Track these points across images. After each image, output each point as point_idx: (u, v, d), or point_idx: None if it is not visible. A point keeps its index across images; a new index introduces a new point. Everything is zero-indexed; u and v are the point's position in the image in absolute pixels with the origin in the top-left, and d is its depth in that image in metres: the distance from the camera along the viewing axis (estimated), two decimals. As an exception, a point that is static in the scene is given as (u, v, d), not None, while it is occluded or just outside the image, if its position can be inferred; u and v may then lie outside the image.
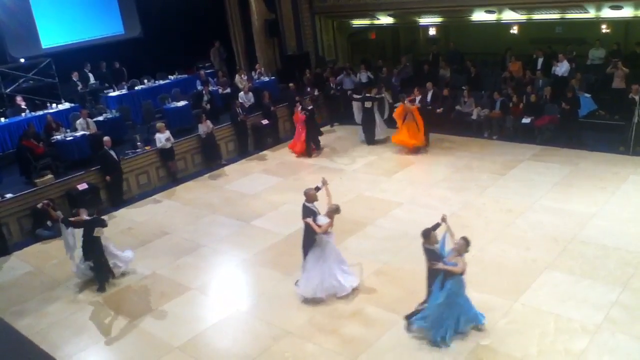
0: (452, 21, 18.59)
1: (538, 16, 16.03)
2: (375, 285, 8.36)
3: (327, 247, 8.06)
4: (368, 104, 14.72)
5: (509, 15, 16.37)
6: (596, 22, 15.44)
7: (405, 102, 14.08)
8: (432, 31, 19.38)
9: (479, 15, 16.83)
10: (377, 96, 14.91)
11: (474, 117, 14.60)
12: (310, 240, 8.10)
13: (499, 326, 7.10)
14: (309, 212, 8.12)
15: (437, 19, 18.40)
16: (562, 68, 14.73)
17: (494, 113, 14.34)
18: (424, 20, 18.82)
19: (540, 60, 15.64)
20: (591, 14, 14.89)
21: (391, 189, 11.93)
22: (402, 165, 13.16)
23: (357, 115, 15.15)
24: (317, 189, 8.49)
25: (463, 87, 15.15)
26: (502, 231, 9.55)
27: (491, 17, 16.71)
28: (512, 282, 8.01)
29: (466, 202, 10.78)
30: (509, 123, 14.07)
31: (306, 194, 8.27)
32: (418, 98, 14.70)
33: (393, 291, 8.13)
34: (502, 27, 17.38)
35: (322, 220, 7.99)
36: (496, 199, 10.79)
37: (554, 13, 15.62)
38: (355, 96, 15.29)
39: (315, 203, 8.27)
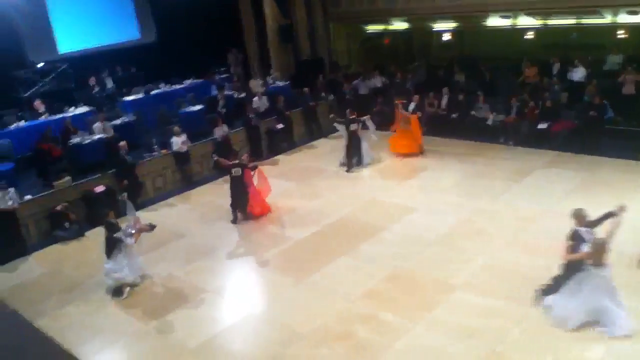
0: (467, 26, 18.57)
1: (554, 22, 15.97)
2: (388, 290, 8.35)
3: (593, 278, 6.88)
4: (354, 127, 13.56)
5: (524, 21, 16.33)
6: (613, 28, 15.36)
7: (399, 107, 14.13)
8: (446, 36, 19.38)
9: (494, 21, 16.82)
10: (361, 118, 13.72)
11: (489, 122, 14.56)
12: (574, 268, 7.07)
13: (513, 333, 7.06)
14: (577, 237, 7.00)
15: (452, 24, 18.40)
16: (578, 74, 14.67)
17: (510, 118, 14.30)
18: (438, 26, 18.83)
19: (556, 66, 15.57)
20: (608, 19, 14.81)
21: (405, 194, 11.93)
22: (415, 171, 13.15)
23: (344, 140, 13.82)
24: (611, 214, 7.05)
25: (478, 93, 15.12)
26: (515, 238, 9.51)
27: (506, 23, 16.67)
28: (526, 289, 7.94)
29: (480, 208, 10.75)
30: (525, 129, 14.02)
31: (577, 215, 7.17)
32: (412, 104, 14.73)
33: (407, 297, 8.12)
34: (517, 32, 17.33)
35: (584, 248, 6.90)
36: (510, 206, 10.74)
37: (570, 19, 15.56)
38: (338, 120, 14.01)
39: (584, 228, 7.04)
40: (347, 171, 13.54)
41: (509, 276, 8.35)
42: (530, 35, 16.92)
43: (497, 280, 8.20)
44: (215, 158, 11.84)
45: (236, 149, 14.68)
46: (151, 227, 9.32)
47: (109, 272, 9.01)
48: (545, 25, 16.16)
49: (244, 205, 11.42)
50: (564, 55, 16.00)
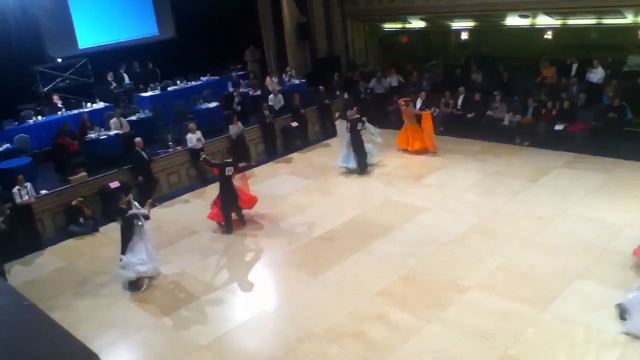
0: (485, 25, 18.42)
1: (573, 21, 15.77)
2: (401, 289, 8.31)
3: None
4: (359, 127, 13.07)
5: (543, 20, 16.13)
6: (634, 28, 15.12)
7: (404, 105, 14.12)
8: (464, 35, 19.23)
9: (512, 20, 16.63)
10: (364, 118, 13.22)
11: (506, 122, 14.41)
12: None
13: (526, 336, 6.98)
14: None
15: (469, 23, 18.25)
16: (596, 74, 14.48)
17: (526, 119, 14.15)
18: (456, 24, 18.68)
19: (574, 66, 15.38)
20: (629, 19, 14.58)
21: (419, 193, 11.86)
22: (430, 170, 13.07)
23: (343, 140, 13.38)
24: None
25: (495, 92, 14.97)
26: (531, 239, 9.40)
27: (525, 22, 16.50)
28: (541, 290, 7.87)
29: (496, 209, 10.66)
30: (542, 129, 13.86)
31: None
32: (419, 102, 14.69)
33: (419, 296, 8.07)
34: (535, 32, 17.13)
35: None
36: (527, 206, 10.63)
37: (590, 18, 15.34)
38: (347, 119, 13.20)
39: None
40: (361, 173, 13.09)
41: (524, 278, 8.26)
42: (548, 35, 16.71)
43: (511, 282, 8.12)
44: (203, 157, 11.46)
45: (250, 145, 14.81)
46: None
47: (127, 265, 8.94)
48: (565, 25, 15.95)
49: (237, 205, 10.96)
50: (583, 55, 15.80)
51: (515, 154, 13.47)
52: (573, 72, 15.30)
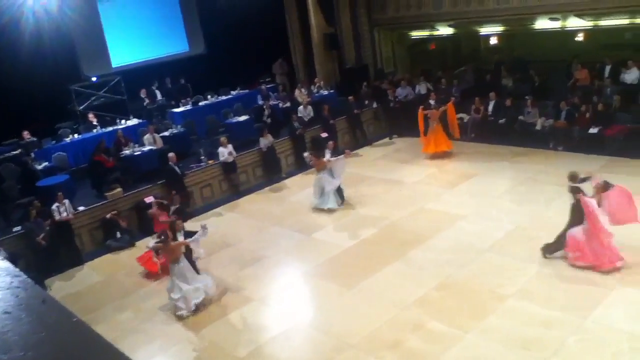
0: (514, 29, 18.24)
1: (605, 22, 15.49)
2: (438, 298, 8.24)
3: None
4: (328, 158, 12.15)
5: (574, 22, 15.89)
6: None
7: (422, 112, 14.30)
8: (493, 40, 19.07)
9: (543, 23, 16.42)
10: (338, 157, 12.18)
11: (538, 127, 14.22)
12: None
13: (568, 344, 6.84)
14: None
15: (499, 28, 18.10)
16: (631, 75, 14.19)
17: (560, 123, 13.91)
18: (485, 30, 18.54)
19: (608, 68, 15.09)
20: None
21: (454, 200, 11.76)
22: (464, 177, 12.95)
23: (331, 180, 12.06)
24: None
25: (526, 97, 14.79)
26: (570, 245, 9.22)
27: (555, 25, 16.28)
28: (582, 298, 7.71)
29: (532, 215, 10.50)
30: (576, 133, 13.62)
31: None
32: (431, 101, 15.02)
33: (458, 305, 7.98)
34: (567, 34, 16.88)
35: None
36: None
37: (623, 18, 15.06)
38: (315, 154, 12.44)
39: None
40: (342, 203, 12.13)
41: (564, 285, 8.11)
42: (580, 36, 16.44)
43: (552, 289, 7.98)
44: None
45: (281, 157, 14.90)
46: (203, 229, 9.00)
47: (183, 300, 8.58)
48: (597, 26, 15.68)
49: None
50: (617, 56, 15.49)
51: (550, 159, 13.25)
52: (607, 74, 15.01)
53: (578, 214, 8.43)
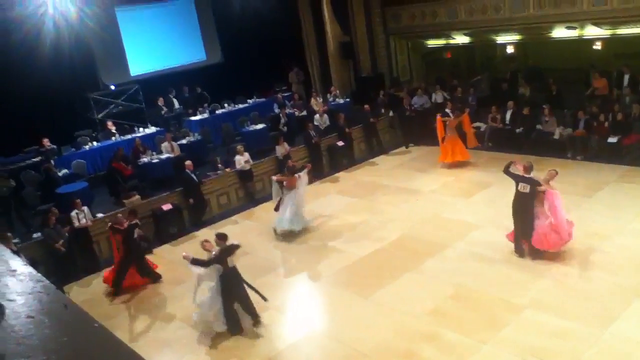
0: (531, 38, 18.15)
1: (623, 30, 15.36)
2: (453, 308, 8.20)
3: None
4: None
5: (591, 31, 15.78)
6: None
7: (440, 120, 14.38)
8: (509, 49, 19.00)
9: (559, 32, 16.33)
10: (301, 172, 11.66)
11: (556, 136, 14.11)
12: None
13: (586, 357, 6.76)
14: None
15: (515, 37, 18.03)
16: (651, 84, 14.05)
17: (578, 132, 13.80)
18: (501, 38, 18.48)
19: (626, 77, 14.95)
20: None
21: (469, 210, 11.71)
22: (480, 187, 12.88)
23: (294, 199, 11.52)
24: None
25: (544, 106, 14.69)
26: (587, 255, 9.13)
27: (572, 34, 16.17)
28: (599, 309, 7.62)
29: (548, 225, 10.39)
30: (594, 142, 13.50)
31: None
32: (447, 111, 14.94)
33: (473, 316, 7.93)
34: (584, 42, 16.75)
35: None
36: (582, 222, 10.30)
37: (641, 27, 14.92)
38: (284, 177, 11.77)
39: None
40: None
41: (581, 296, 8.03)
42: (598, 45, 16.30)
43: (568, 300, 7.90)
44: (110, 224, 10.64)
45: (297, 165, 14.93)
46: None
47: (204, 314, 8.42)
48: (614, 34, 15.55)
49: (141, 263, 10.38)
50: (636, 65, 15.34)
51: (568, 169, 13.09)
52: (625, 83, 14.88)
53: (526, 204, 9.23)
